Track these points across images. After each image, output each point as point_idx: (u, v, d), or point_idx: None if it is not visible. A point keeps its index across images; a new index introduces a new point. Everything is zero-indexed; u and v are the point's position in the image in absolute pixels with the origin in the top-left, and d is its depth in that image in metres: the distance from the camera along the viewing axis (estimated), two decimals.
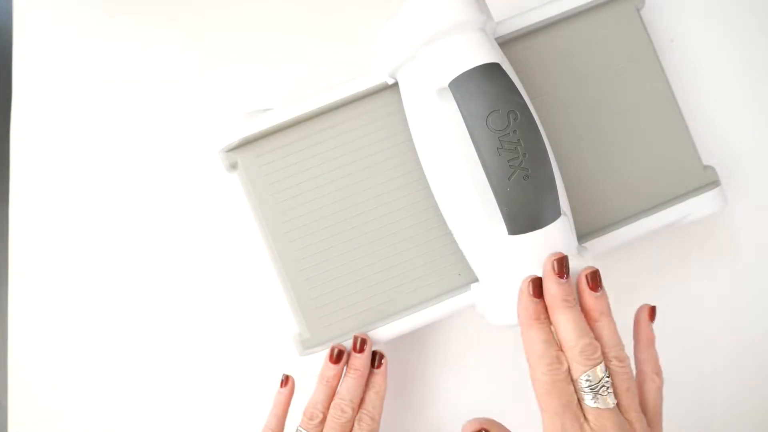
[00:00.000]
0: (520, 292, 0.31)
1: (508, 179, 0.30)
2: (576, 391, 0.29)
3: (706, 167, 0.39)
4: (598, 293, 0.31)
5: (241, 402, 0.43)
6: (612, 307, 0.42)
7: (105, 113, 0.45)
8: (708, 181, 0.39)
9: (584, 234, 0.38)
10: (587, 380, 0.28)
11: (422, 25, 0.32)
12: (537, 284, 0.31)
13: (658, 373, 0.31)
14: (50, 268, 0.44)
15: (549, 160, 0.32)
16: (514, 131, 0.30)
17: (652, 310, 0.33)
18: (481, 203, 0.32)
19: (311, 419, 0.35)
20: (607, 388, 0.29)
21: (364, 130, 0.38)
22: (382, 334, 0.37)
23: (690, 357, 0.43)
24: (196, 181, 0.44)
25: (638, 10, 0.40)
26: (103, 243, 0.44)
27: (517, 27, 0.38)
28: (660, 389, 0.31)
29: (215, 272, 0.44)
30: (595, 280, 0.31)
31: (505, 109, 0.31)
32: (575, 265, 0.32)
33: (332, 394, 0.36)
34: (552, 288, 0.30)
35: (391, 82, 0.37)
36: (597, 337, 0.30)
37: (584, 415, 0.28)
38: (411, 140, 0.37)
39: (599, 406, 0.28)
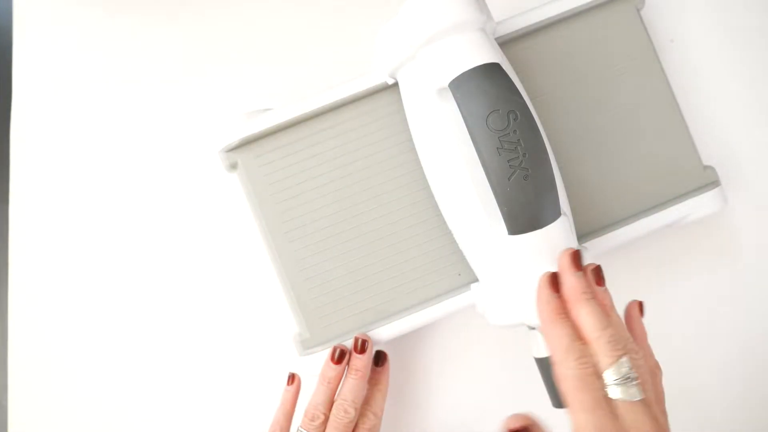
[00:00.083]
0: (540, 288, 0.31)
1: (508, 179, 0.30)
2: (603, 386, 0.27)
3: (706, 167, 0.39)
4: (603, 288, 0.31)
5: (241, 402, 0.43)
6: None
7: (105, 113, 0.45)
8: (708, 181, 0.39)
9: (584, 234, 0.38)
10: (615, 372, 0.27)
11: (422, 25, 0.32)
12: (555, 279, 0.31)
13: (657, 365, 0.31)
14: (50, 268, 0.44)
15: (549, 160, 0.32)
16: (514, 131, 0.30)
17: (641, 306, 0.33)
18: (481, 203, 0.32)
19: (313, 420, 0.35)
20: (634, 379, 0.27)
21: (364, 130, 0.38)
22: (382, 334, 0.37)
23: (690, 357, 0.43)
24: (196, 181, 0.44)
25: (638, 10, 0.40)
26: (103, 243, 0.44)
27: (517, 27, 0.38)
28: (661, 381, 0.30)
29: (215, 272, 0.44)
30: (599, 275, 0.31)
31: (505, 109, 0.31)
32: None
33: (333, 395, 0.36)
34: (571, 281, 0.30)
35: (391, 82, 0.37)
36: None
37: (614, 410, 0.27)
38: (411, 140, 0.37)
39: (629, 399, 0.27)
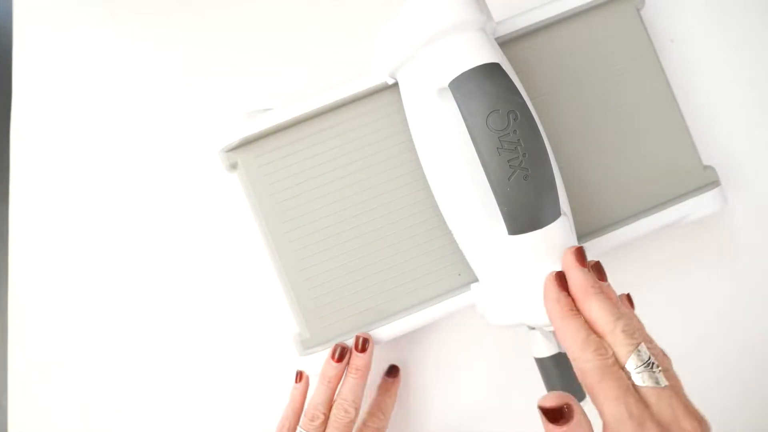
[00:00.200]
0: (547, 287, 0.31)
1: (508, 179, 0.30)
2: (627, 376, 0.26)
3: (706, 167, 0.39)
4: (607, 283, 0.30)
5: (241, 401, 0.43)
6: None
7: (105, 113, 0.45)
8: (708, 181, 0.39)
9: (584, 234, 0.38)
10: (637, 360, 0.26)
11: (422, 25, 0.32)
12: (562, 277, 0.30)
13: (665, 353, 0.29)
14: (50, 268, 0.44)
15: (549, 160, 0.32)
16: (514, 131, 0.30)
17: (630, 298, 0.32)
18: (481, 203, 0.32)
19: (312, 420, 0.35)
20: (657, 365, 0.26)
21: (364, 130, 0.38)
22: (382, 334, 0.37)
23: (690, 357, 0.43)
24: (196, 181, 0.44)
25: (638, 10, 0.40)
26: (103, 243, 0.44)
27: (517, 27, 0.38)
28: (672, 366, 0.29)
29: (215, 272, 0.44)
30: (600, 270, 0.31)
31: (505, 109, 0.30)
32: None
33: (333, 395, 0.36)
34: (578, 277, 0.30)
35: (391, 82, 0.37)
36: None
37: (643, 398, 0.26)
38: (411, 140, 0.37)
39: (655, 386, 0.26)
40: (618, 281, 0.41)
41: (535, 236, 0.31)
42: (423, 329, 0.40)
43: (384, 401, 0.40)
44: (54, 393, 0.43)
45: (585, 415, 0.26)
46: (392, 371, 0.42)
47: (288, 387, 0.39)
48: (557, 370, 0.37)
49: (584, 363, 0.27)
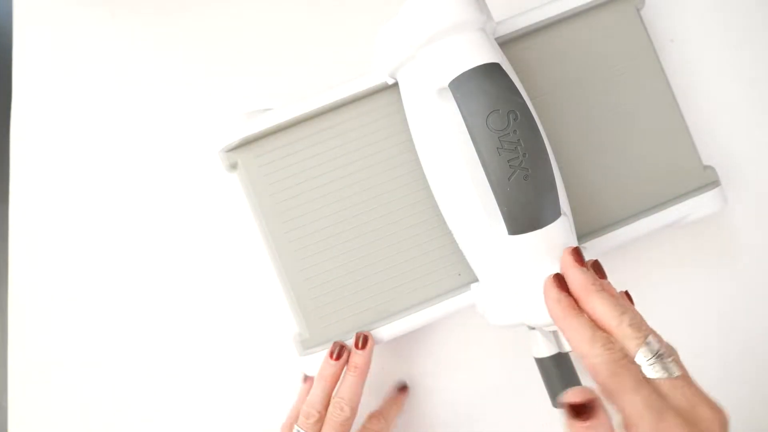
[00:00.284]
0: (546, 290, 0.30)
1: (508, 179, 0.30)
2: (638, 369, 0.26)
3: (706, 167, 0.39)
4: (606, 281, 0.30)
5: (241, 401, 0.43)
6: None
7: (105, 113, 0.45)
8: (708, 181, 0.39)
9: (584, 234, 0.38)
10: (647, 352, 0.26)
11: (422, 25, 0.32)
12: (561, 278, 0.30)
13: (669, 344, 0.28)
14: (50, 268, 0.44)
15: (549, 160, 0.32)
16: (514, 131, 0.30)
17: (628, 295, 0.32)
18: (481, 203, 0.32)
19: (308, 418, 0.35)
20: (668, 356, 0.26)
21: (364, 130, 0.38)
22: (382, 334, 0.37)
23: (690, 356, 0.43)
24: (196, 181, 0.44)
25: (638, 10, 0.40)
26: (103, 243, 0.44)
27: (517, 27, 0.38)
28: (679, 357, 0.28)
29: (215, 272, 0.44)
30: (599, 269, 0.31)
31: (505, 109, 0.30)
32: None
33: (330, 393, 0.36)
34: (578, 277, 0.29)
35: (391, 82, 0.37)
36: None
37: (657, 390, 0.25)
38: (411, 140, 0.37)
39: (669, 376, 0.25)
40: (618, 281, 0.41)
41: (535, 236, 0.31)
42: (423, 329, 0.40)
43: (389, 408, 0.40)
44: (54, 393, 0.43)
45: (607, 410, 0.26)
46: (403, 388, 0.42)
47: (288, 387, 0.39)
48: (557, 370, 0.37)
49: (594, 359, 0.26)
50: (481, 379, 0.43)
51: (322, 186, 0.38)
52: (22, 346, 0.44)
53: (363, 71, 0.38)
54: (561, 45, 0.39)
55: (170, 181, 0.44)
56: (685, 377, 0.26)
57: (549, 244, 0.32)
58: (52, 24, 0.46)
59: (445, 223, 0.37)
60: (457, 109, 0.31)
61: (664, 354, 0.26)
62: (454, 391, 0.43)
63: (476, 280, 0.37)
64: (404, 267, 0.38)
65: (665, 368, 0.26)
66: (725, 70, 0.45)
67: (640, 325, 0.27)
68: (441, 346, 0.43)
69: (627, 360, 0.26)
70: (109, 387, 0.43)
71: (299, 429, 0.35)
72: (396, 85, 0.37)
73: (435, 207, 0.37)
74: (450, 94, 0.32)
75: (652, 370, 0.26)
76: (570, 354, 0.37)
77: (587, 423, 0.25)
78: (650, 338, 0.26)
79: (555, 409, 0.38)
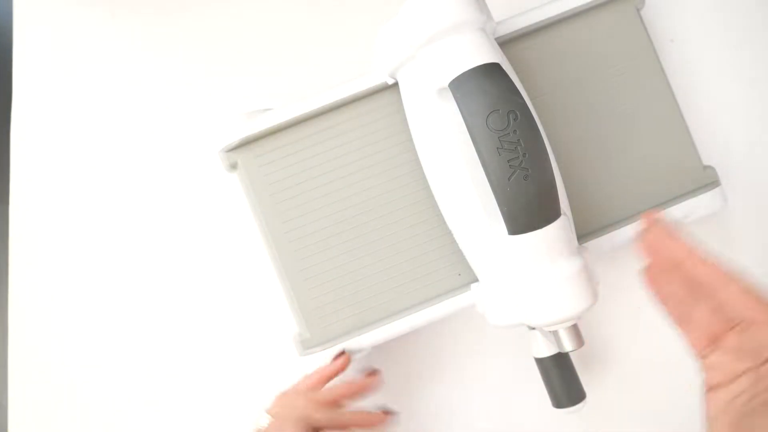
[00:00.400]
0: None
1: (508, 179, 0.30)
2: None
3: (706, 167, 0.39)
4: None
5: (241, 401, 0.43)
6: (612, 306, 0.43)
7: (105, 113, 0.45)
8: (708, 181, 0.39)
9: (584, 234, 0.38)
10: None
11: (422, 26, 0.32)
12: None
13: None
14: (50, 268, 0.44)
15: (549, 160, 0.32)
16: (514, 131, 0.30)
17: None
18: (481, 203, 0.32)
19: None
20: None
21: (364, 130, 0.38)
22: (382, 333, 0.37)
23: (690, 356, 0.43)
24: (196, 181, 0.44)
25: (638, 10, 0.40)
26: (103, 243, 0.44)
27: (517, 27, 0.38)
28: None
29: (215, 272, 0.44)
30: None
31: (505, 109, 0.30)
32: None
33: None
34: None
35: (391, 82, 0.37)
36: None
37: None
38: (411, 140, 0.37)
39: None
40: (618, 281, 0.41)
41: (535, 236, 0.31)
42: (423, 329, 0.40)
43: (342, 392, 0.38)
44: (54, 393, 0.43)
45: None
46: (372, 373, 0.40)
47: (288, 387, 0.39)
48: (557, 370, 0.37)
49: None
50: (481, 379, 0.43)
51: (322, 186, 0.38)
52: (22, 346, 0.44)
53: (363, 71, 0.38)
54: (561, 45, 0.39)
55: (170, 181, 0.44)
56: None
57: (549, 244, 0.32)
58: (52, 24, 0.46)
59: (445, 223, 0.37)
60: (457, 109, 0.31)
61: None
62: (454, 391, 0.43)
63: (476, 280, 0.37)
64: (404, 267, 0.38)
65: None
66: (725, 70, 0.45)
67: None
68: (441, 345, 0.43)
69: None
70: (109, 387, 0.43)
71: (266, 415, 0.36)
72: (396, 85, 0.37)
73: (435, 207, 0.37)
74: (450, 94, 0.32)
75: None
76: (570, 354, 0.37)
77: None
78: None
79: (555, 409, 0.38)
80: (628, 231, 0.38)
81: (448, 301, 0.37)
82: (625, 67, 0.39)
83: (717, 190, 0.39)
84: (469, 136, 0.31)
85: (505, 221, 0.31)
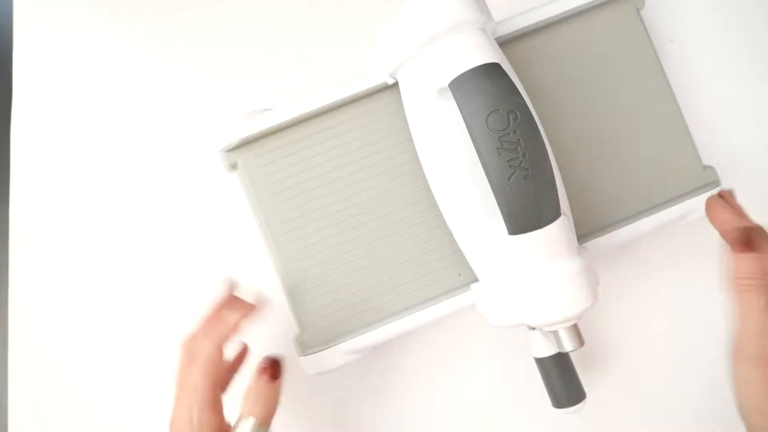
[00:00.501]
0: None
1: (508, 179, 0.30)
2: None
3: (706, 167, 0.39)
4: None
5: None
6: (612, 306, 0.43)
7: (105, 113, 0.45)
8: (708, 181, 0.39)
9: (584, 234, 0.38)
10: None
11: (422, 25, 0.32)
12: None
13: None
14: (50, 268, 0.44)
15: (549, 160, 0.32)
16: (514, 131, 0.30)
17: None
18: (481, 203, 0.32)
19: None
20: None
21: (364, 130, 0.38)
22: (382, 333, 0.37)
23: (691, 356, 0.43)
24: (196, 181, 0.44)
25: (638, 10, 0.40)
26: (103, 243, 0.44)
27: (517, 27, 0.38)
28: None
29: (215, 273, 0.44)
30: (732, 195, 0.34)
31: (505, 109, 0.30)
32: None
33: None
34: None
35: (391, 82, 0.37)
36: None
37: None
38: (411, 140, 0.37)
39: None
40: (618, 281, 0.41)
41: (535, 236, 0.31)
42: (423, 329, 0.40)
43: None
44: (54, 393, 0.43)
45: None
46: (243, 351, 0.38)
47: (288, 387, 0.39)
48: (557, 370, 0.37)
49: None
50: (481, 379, 0.43)
51: (322, 186, 0.38)
52: (22, 346, 0.44)
53: (363, 71, 0.38)
54: (561, 45, 0.39)
55: (170, 181, 0.44)
56: None
57: (549, 244, 0.32)
58: (52, 24, 0.46)
59: (445, 223, 0.37)
60: (457, 109, 0.31)
61: None
62: (454, 391, 0.43)
63: (476, 280, 0.37)
64: (404, 267, 0.38)
65: None
66: (725, 70, 0.45)
67: None
68: (441, 346, 0.43)
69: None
70: (109, 387, 0.43)
71: None
72: (396, 85, 0.37)
73: (435, 207, 0.37)
74: (450, 94, 0.32)
75: None
76: (570, 354, 0.37)
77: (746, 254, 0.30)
78: None
79: (555, 409, 0.38)
80: (629, 231, 0.38)
81: (448, 301, 0.37)
82: (625, 67, 0.39)
83: (717, 190, 0.39)
84: (469, 136, 0.31)
85: (505, 221, 0.31)
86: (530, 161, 0.30)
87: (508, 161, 0.30)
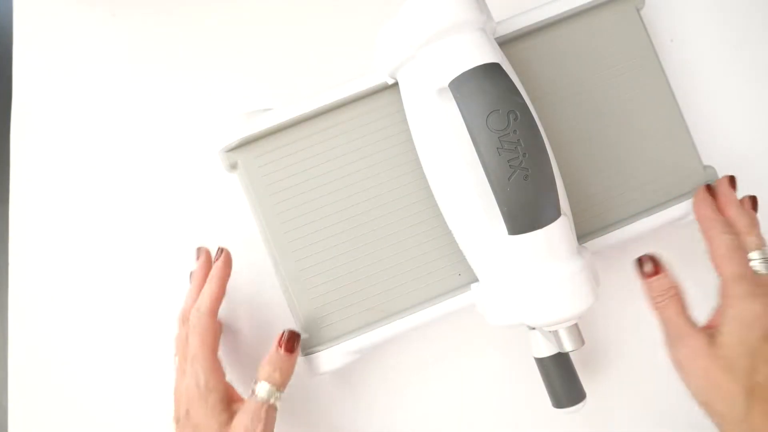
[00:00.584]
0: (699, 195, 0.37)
1: (508, 179, 0.30)
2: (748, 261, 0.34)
3: (706, 167, 0.39)
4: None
5: None
6: (612, 306, 0.43)
7: (105, 113, 0.45)
8: (708, 181, 0.39)
9: (584, 234, 0.38)
10: (760, 254, 0.34)
11: (422, 25, 0.32)
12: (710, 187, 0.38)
13: None
14: (50, 268, 0.44)
15: (549, 160, 0.32)
16: (514, 131, 0.30)
17: (755, 200, 0.38)
18: (481, 203, 0.32)
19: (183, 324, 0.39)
20: None
21: (364, 130, 0.38)
22: (382, 333, 0.37)
23: None
24: (196, 181, 0.44)
25: (638, 10, 0.40)
26: (103, 243, 0.44)
27: (517, 27, 0.38)
28: None
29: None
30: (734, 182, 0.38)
31: (505, 109, 0.31)
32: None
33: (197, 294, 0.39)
34: (728, 190, 0.37)
35: (391, 82, 0.37)
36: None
37: (758, 281, 0.33)
38: (411, 140, 0.37)
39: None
40: (618, 280, 0.41)
41: (535, 236, 0.31)
42: (423, 328, 0.40)
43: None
44: (54, 393, 0.43)
45: (671, 273, 0.36)
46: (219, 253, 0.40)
47: (289, 388, 0.39)
48: (557, 370, 0.37)
49: (715, 239, 0.35)
50: (480, 379, 0.43)
51: (322, 186, 0.38)
52: (22, 346, 0.44)
53: (363, 71, 0.38)
54: (561, 45, 0.39)
55: (170, 181, 0.44)
56: None
57: (549, 244, 0.32)
58: (52, 24, 0.46)
59: (445, 223, 0.37)
60: (457, 109, 0.31)
61: None
62: (454, 391, 0.43)
63: (476, 280, 0.37)
64: (404, 267, 0.38)
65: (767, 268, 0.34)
66: (725, 70, 0.45)
67: (762, 238, 0.35)
68: (441, 345, 0.43)
69: (742, 251, 0.34)
70: (109, 387, 0.43)
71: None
72: (396, 85, 0.37)
73: (435, 207, 0.37)
74: (450, 94, 0.32)
75: (758, 264, 0.34)
76: (570, 354, 0.37)
77: (653, 277, 0.35)
78: (766, 248, 0.34)
79: (555, 409, 0.38)
80: (629, 231, 0.38)
81: (448, 301, 0.37)
82: (625, 67, 0.39)
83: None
84: (469, 136, 0.31)
85: (505, 221, 0.32)
86: (530, 161, 0.30)
87: (508, 161, 0.30)
